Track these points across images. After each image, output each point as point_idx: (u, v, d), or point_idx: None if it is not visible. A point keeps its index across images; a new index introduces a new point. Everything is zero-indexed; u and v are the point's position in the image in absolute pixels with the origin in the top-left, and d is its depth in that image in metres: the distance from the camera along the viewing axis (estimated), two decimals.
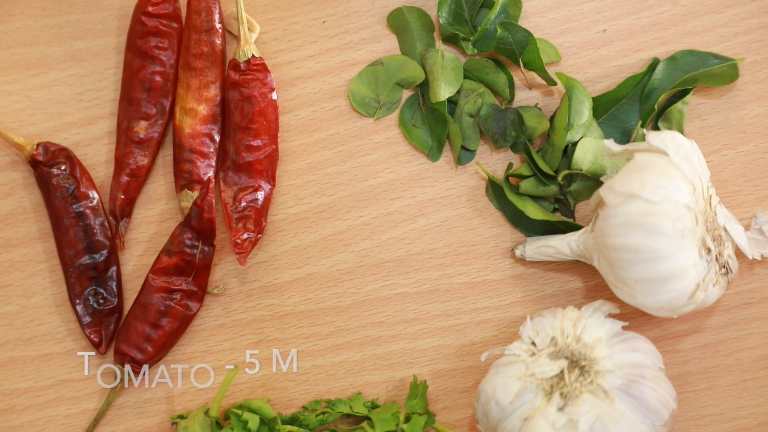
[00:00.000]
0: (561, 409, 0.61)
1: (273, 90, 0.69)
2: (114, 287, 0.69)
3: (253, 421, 0.65)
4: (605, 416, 0.60)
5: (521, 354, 0.63)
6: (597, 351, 0.62)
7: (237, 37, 0.70)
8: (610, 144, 0.64)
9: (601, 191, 0.63)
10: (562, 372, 0.62)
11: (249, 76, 0.68)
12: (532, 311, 0.69)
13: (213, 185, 0.66)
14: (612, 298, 0.69)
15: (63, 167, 0.68)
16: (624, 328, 0.66)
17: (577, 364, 0.62)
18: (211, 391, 0.69)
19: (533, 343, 0.64)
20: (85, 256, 0.68)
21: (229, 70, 0.68)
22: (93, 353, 0.69)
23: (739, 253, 0.68)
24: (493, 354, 0.65)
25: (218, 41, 0.69)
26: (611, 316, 0.68)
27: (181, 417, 0.67)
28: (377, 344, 0.69)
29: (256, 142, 0.68)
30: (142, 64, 0.69)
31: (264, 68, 0.68)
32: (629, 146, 0.64)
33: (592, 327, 0.64)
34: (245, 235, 0.68)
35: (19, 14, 0.71)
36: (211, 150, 0.69)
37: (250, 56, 0.68)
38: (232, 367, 0.69)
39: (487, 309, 0.70)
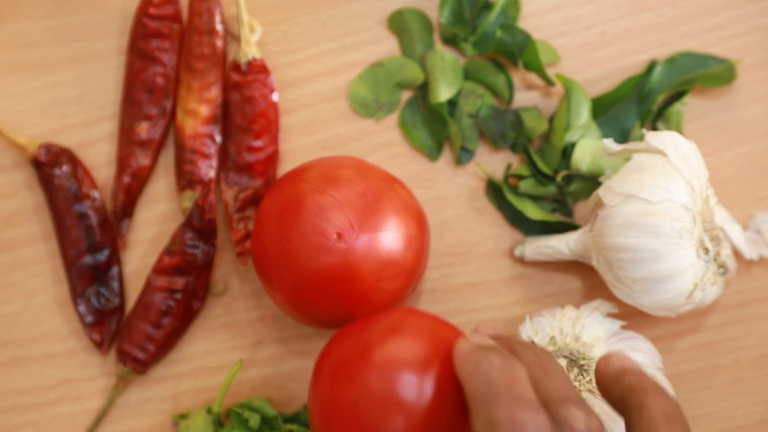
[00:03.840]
0: None
1: (273, 91, 0.69)
2: (116, 287, 0.69)
3: (254, 420, 0.65)
4: (603, 415, 0.60)
5: None
6: (596, 350, 0.63)
7: (238, 39, 0.70)
8: (609, 143, 0.65)
9: (600, 192, 0.63)
10: None
11: (250, 78, 0.68)
12: (531, 311, 0.70)
13: (214, 186, 0.66)
14: (610, 297, 0.69)
15: (65, 168, 0.68)
16: (623, 327, 0.67)
17: (576, 363, 0.62)
18: (212, 391, 0.69)
19: (532, 343, 0.64)
20: (87, 256, 0.68)
21: (230, 71, 0.69)
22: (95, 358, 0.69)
23: (737, 253, 0.68)
24: None
25: (219, 43, 0.69)
26: (610, 315, 0.68)
27: (183, 417, 0.67)
28: None
29: (257, 143, 0.68)
30: (144, 66, 0.69)
31: (265, 69, 0.69)
32: (628, 146, 0.64)
33: (590, 326, 0.64)
34: (246, 236, 0.68)
35: (21, 16, 0.71)
36: (212, 151, 0.69)
37: (251, 58, 0.68)
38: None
39: (486, 309, 0.70)
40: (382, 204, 0.62)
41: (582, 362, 0.62)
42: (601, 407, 0.61)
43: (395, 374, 0.55)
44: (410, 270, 0.63)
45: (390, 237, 0.62)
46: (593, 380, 0.61)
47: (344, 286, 0.61)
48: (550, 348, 0.63)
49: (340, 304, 0.62)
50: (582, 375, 0.62)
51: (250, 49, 0.69)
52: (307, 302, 0.62)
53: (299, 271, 0.61)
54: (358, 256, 0.61)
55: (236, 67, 0.69)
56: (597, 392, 0.61)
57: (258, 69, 0.69)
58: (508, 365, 0.52)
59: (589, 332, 0.64)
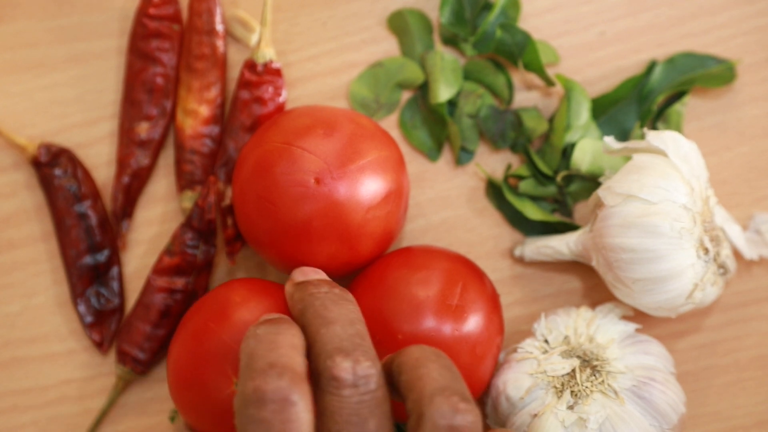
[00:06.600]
0: (571, 407, 0.61)
1: (281, 95, 0.69)
2: (116, 287, 0.69)
3: None
4: (614, 417, 0.60)
5: (534, 351, 0.64)
6: (609, 352, 0.63)
7: (238, 39, 0.70)
8: (610, 141, 0.65)
9: (600, 192, 0.63)
10: (573, 371, 0.62)
11: (263, 78, 0.68)
12: (531, 311, 0.70)
13: (214, 186, 0.66)
14: (610, 298, 0.69)
15: (65, 168, 0.68)
16: (637, 330, 0.67)
17: (589, 363, 0.62)
18: None
19: (546, 341, 0.64)
20: (87, 256, 0.68)
21: (243, 68, 0.68)
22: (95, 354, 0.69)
23: (737, 254, 0.68)
24: (506, 351, 0.66)
25: (219, 43, 0.69)
26: (625, 318, 0.68)
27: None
28: None
29: None
30: (144, 66, 0.69)
31: (278, 73, 0.68)
32: (629, 144, 0.64)
33: (605, 328, 0.64)
34: (236, 235, 0.68)
35: (20, 16, 0.71)
36: (212, 151, 0.69)
37: (268, 59, 0.68)
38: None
39: None
40: (348, 138, 0.63)
41: (595, 363, 0.62)
42: (611, 408, 0.61)
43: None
44: (397, 189, 0.63)
45: (367, 165, 0.62)
46: (605, 381, 0.61)
47: (338, 225, 0.62)
48: (564, 347, 0.63)
49: (340, 245, 0.62)
50: (594, 376, 0.62)
51: (268, 51, 0.68)
52: (309, 255, 0.62)
53: (289, 227, 0.62)
54: (342, 193, 0.61)
55: (251, 65, 0.68)
56: (610, 394, 0.61)
57: (272, 71, 0.68)
58: (271, 335, 0.53)
59: (603, 333, 0.64)
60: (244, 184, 0.63)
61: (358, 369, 0.52)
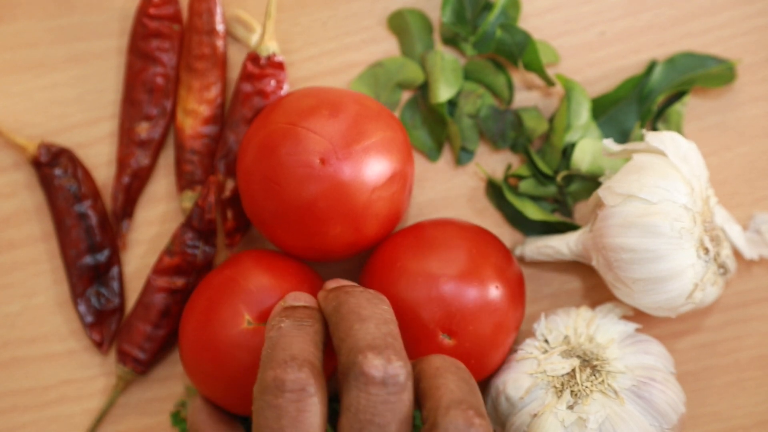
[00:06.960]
0: (571, 407, 0.61)
1: (283, 88, 0.69)
2: (116, 287, 0.69)
3: None
4: (614, 416, 0.60)
5: (534, 351, 0.64)
6: (609, 352, 0.63)
7: (238, 39, 0.70)
8: (609, 143, 0.65)
9: (600, 192, 0.63)
10: (573, 371, 0.62)
11: (266, 71, 0.68)
12: (530, 311, 0.70)
13: (214, 186, 0.66)
14: (610, 298, 0.69)
15: (65, 168, 0.68)
16: (637, 330, 0.67)
17: (589, 363, 0.62)
18: None
19: (546, 341, 0.64)
20: (87, 256, 0.68)
21: (246, 61, 0.68)
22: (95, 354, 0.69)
23: (737, 253, 0.68)
24: None
25: (219, 43, 0.69)
26: (624, 318, 0.68)
27: (184, 403, 0.68)
28: None
29: None
30: (144, 66, 0.69)
31: (281, 66, 0.68)
32: (628, 146, 0.64)
33: (605, 327, 0.64)
34: (236, 227, 0.68)
35: (21, 16, 0.71)
36: (212, 151, 0.69)
37: (271, 52, 0.68)
38: None
39: None
40: (353, 118, 0.63)
41: (595, 363, 0.62)
42: (611, 408, 0.61)
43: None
44: (402, 170, 0.63)
45: (372, 145, 0.62)
46: (605, 381, 0.61)
47: (343, 206, 0.62)
48: (564, 347, 0.63)
49: (345, 225, 0.62)
50: (594, 375, 0.62)
51: (272, 44, 0.68)
52: (314, 236, 0.62)
53: (295, 207, 0.62)
54: (347, 173, 0.61)
55: (254, 58, 0.68)
56: (610, 394, 0.61)
57: (275, 65, 0.68)
58: (294, 329, 0.55)
59: (603, 333, 0.64)
60: (249, 166, 0.63)
61: (389, 368, 0.52)
